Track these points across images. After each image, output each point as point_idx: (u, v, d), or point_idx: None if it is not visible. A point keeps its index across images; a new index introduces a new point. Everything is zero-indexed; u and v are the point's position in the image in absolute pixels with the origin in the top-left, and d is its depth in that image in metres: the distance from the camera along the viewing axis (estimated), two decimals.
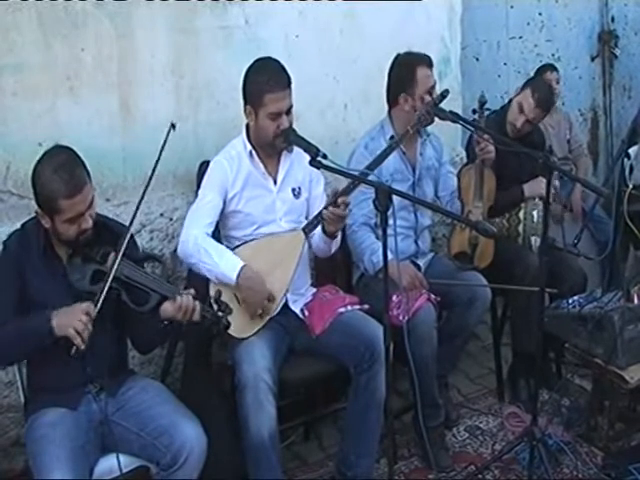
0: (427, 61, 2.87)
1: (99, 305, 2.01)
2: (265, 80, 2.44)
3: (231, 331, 2.41)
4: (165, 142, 2.17)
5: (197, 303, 2.11)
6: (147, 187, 2.16)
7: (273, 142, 2.51)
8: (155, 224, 2.92)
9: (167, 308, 2.10)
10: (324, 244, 2.60)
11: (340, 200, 2.43)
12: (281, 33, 3.15)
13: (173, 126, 2.17)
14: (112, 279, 2.04)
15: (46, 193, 2.00)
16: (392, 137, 2.91)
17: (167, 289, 2.12)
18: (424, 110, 2.77)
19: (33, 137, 2.57)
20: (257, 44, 3.04)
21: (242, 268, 2.42)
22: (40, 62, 2.60)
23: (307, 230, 2.55)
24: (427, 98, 2.81)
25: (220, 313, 2.19)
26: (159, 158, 2.17)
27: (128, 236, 2.10)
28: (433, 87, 2.85)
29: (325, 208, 2.47)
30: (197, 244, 2.43)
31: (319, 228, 2.54)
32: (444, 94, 2.76)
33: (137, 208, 2.15)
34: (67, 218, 2.02)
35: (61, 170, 1.99)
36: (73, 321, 1.95)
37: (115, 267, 2.04)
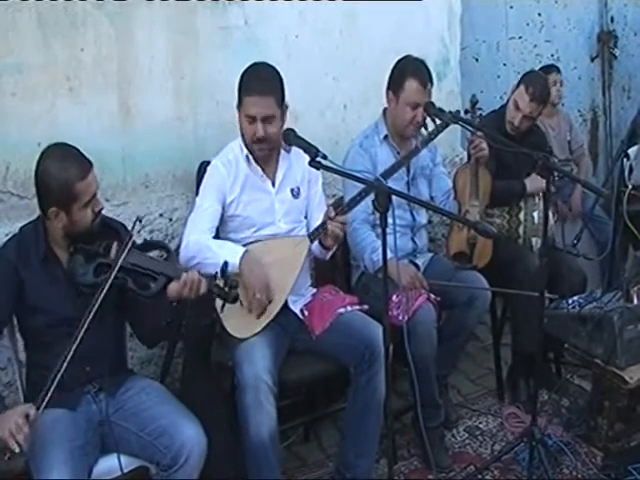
0: (420, 75, 2.81)
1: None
2: (246, 81, 2.46)
3: (231, 331, 2.41)
4: (131, 235, 2.13)
5: (202, 278, 2.10)
6: None
7: (252, 147, 2.52)
8: (155, 224, 2.92)
9: (173, 287, 2.08)
10: (319, 252, 2.63)
11: (339, 219, 2.44)
12: (281, 33, 3.15)
13: (139, 220, 2.17)
14: (118, 268, 2.04)
15: (62, 182, 2.01)
16: (386, 136, 2.93)
17: (172, 270, 2.11)
18: (433, 132, 2.82)
19: (32, 137, 2.56)
20: (257, 44, 3.04)
21: (245, 252, 2.43)
22: (40, 62, 2.60)
23: (312, 237, 2.55)
24: (409, 111, 2.81)
25: (227, 288, 2.17)
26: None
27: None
28: (418, 104, 2.80)
29: (327, 220, 2.47)
30: (197, 243, 2.44)
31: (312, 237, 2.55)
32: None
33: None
34: (84, 202, 2.05)
35: (67, 157, 2.05)
36: (9, 423, 1.86)
37: (124, 254, 2.04)
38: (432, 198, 3.10)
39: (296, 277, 2.53)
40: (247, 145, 2.54)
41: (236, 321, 2.42)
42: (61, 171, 2.02)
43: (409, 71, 2.83)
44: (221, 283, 2.17)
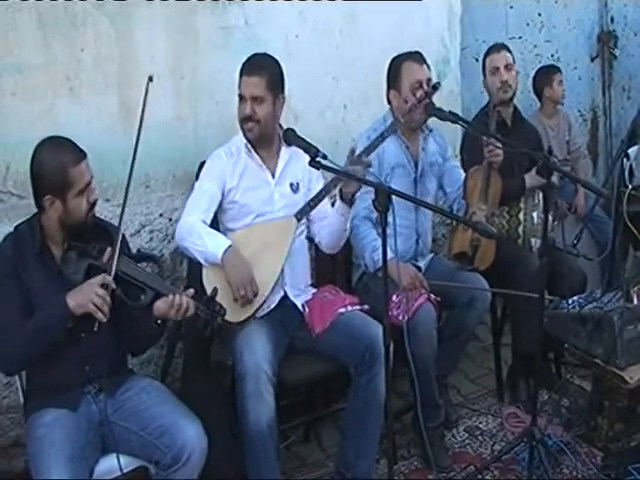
0: (415, 57, 2.86)
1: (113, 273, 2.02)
2: (242, 66, 2.55)
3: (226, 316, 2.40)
4: (146, 95, 2.20)
5: (191, 302, 2.11)
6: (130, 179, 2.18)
7: (243, 128, 2.56)
8: (154, 224, 2.92)
9: (160, 305, 2.09)
10: (340, 216, 2.54)
11: (364, 160, 2.41)
12: (281, 33, 3.15)
13: (150, 78, 2.21)
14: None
15: (56, 169, 2.03)
16: (395, 130, 2.89)
17: (163, 286, 2.12)
18: (415, 100, 2.77)
19: (32, 137, 2.53)
20: (257, 44, 3.03)
21: (228, 247, 2.43)
22: (40, 62, 2.60)
23: (299, 216, 2.56)
24: (415, 92, 2.80)
25: (214, 313, 2.18)
26: (141, 125, 2.22)
27: (121, 231, 2.12)
28: (421, 81, 2.81)
29: (327, 186, 2.49)
30: (191, 228, 2.46)
31: (331, 204, 2.57)
32: (435, 86, 2.77)
33: (124, 204, 2.16)
34: (79, 189, 2.05)
35: (60, 146, 2.08)
36: (91, 296, 1.96)
37: (115, 259, 2.04)
38: (445, 193, 3.11)
39: (285, 258, 2.53)
40: (242, 129, 2.57)
41: (229, 305, 2.39)
42: (55, 159, 2.04)
43: (402, 59, 2.87)
44: (210, 307, 2.18)
